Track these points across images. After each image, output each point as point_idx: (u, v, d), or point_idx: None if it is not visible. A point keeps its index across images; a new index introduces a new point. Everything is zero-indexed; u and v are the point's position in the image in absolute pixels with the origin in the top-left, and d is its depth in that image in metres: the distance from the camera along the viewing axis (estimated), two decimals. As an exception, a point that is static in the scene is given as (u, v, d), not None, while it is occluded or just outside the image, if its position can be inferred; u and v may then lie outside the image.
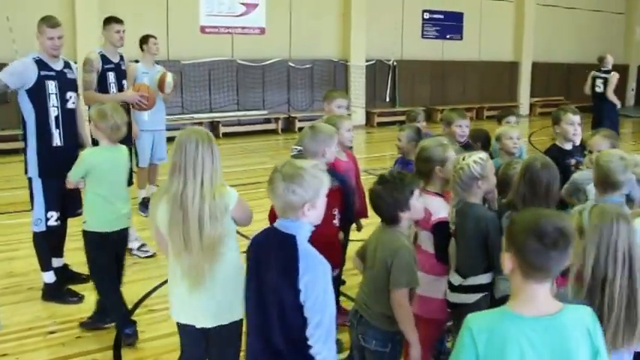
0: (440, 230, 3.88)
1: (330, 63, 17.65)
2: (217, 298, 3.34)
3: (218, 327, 3.41)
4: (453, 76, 20.11)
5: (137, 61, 8.67)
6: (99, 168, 4.76)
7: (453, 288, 3.83)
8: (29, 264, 6.23)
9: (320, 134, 4.11)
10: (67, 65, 5.74)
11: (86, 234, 4.85)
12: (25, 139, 5.59)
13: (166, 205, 3.28)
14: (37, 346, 4.88)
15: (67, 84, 5.67)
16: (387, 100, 18.85)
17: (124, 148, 5.02)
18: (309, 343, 2.76)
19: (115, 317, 4.99)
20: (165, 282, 5.95)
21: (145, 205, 8.30)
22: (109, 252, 4.86)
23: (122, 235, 5.00)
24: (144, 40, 8.80)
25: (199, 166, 3.22)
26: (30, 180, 5.57)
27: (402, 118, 16.83)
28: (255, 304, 2.95)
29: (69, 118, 5.68)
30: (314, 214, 2.82)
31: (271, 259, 2.83)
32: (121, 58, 6.98)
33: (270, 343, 2.85)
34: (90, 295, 5.70)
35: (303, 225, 2.81)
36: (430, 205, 3.85)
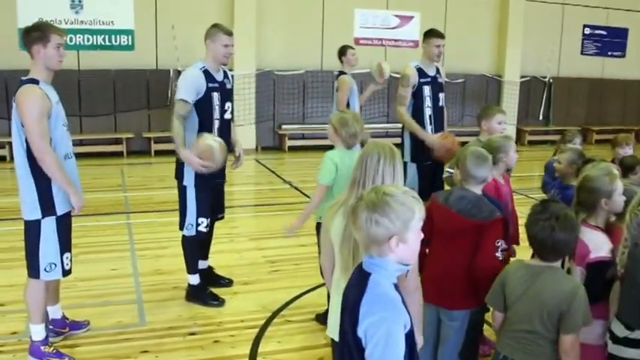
0: (598, 270, 3.46)
1: (482, 78, 17.27)
2: None
3: None
4: (612, 95, 19.07)
5: (344, 73, 8.63)
6: (340, 167, 4.76)
7: (615, 339, 3.39)
8: (175, 263, 6.37)
9: (479, 160, 3.89)
10: (225, 75, 5.79)
11: (318, 225, 4.89)
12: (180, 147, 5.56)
13: (341, 218, 3.15)
14: (176, 346, 4.97)
15: (226, 94, 5.71)
16: (540, 118, 18.19)
17: (357, 152, 5.02)
18: None
19: None
20: (306, 293, 5.99)
21: None
22: None
23: None
24: (342, 52, 8.76)
25: (379, 182, 3.09)
26: (184, 187, 5.62)
27: (555, 137, 16.28)
28: (339, 344, 2.61)
29: (226, 128, 5.72)
30: (404, 250, 2.34)
31: (348, 299, 2.48)
32: (437, 70, 6.92)
33: None
34: (231, 299, 5.80)
35: (386, 263, 2.36)
36: (591, 240, 3.49)
